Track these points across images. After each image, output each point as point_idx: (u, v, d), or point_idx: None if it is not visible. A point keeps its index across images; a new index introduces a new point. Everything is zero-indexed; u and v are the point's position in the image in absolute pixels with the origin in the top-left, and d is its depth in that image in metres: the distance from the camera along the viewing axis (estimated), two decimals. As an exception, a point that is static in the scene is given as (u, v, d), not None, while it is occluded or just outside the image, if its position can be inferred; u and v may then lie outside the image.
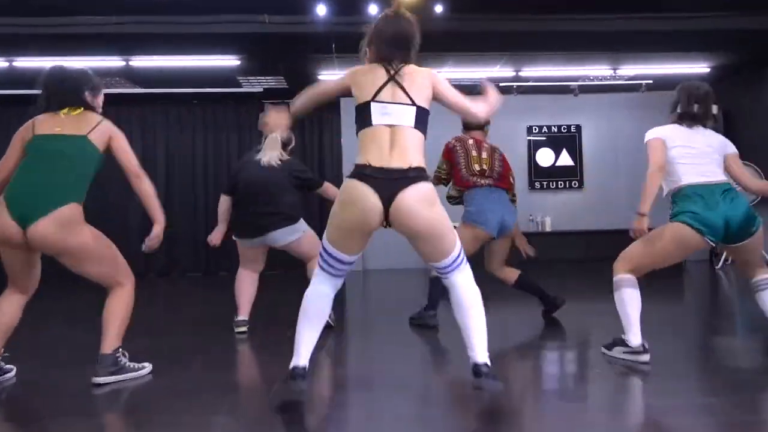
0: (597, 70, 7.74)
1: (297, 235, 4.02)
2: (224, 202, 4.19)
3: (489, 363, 2.37)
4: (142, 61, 6.68)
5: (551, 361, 3.47)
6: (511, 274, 4.39)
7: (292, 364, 2.41)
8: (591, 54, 7.10)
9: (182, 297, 6.99)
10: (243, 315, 4.10)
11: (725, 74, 8.12)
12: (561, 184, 9.04)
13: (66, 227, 2.69)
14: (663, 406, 2.47)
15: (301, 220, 4.09)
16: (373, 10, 5.09)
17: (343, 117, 8.90)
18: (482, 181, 4.21)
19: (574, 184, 9.04)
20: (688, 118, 3.15)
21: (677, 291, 6.16)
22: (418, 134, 2.45)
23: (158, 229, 2.90)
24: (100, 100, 3.03)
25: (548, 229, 8.82)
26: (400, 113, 2.41)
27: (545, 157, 9.05)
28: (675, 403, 2.45)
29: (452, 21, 5.57)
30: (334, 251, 2.43)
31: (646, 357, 3.01)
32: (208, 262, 8.80)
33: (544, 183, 9.04)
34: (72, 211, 2.71)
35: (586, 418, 2.40)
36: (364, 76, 2.49)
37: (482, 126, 4.40)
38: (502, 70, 7.62)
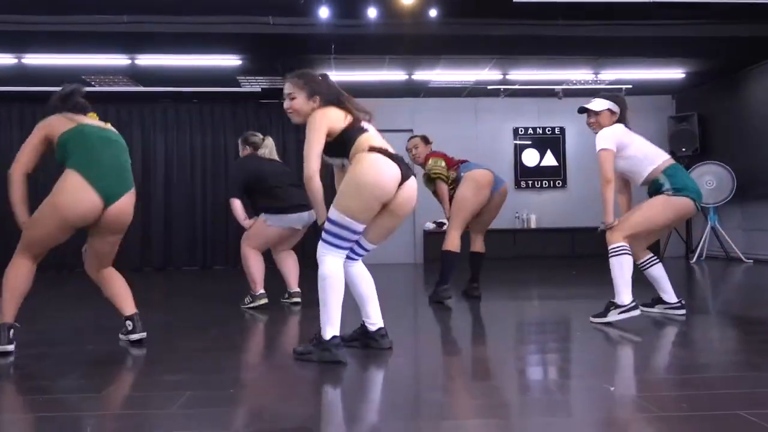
0: (579, 74, 8.16)
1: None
2: (239, 204, 4.46)
3: None
4: (147, 60, 6.95)
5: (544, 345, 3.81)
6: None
7: (330, 335, 2.67)
8: (573, 58, 7.51)
9: (181, 290, 7.24)
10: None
11: (700, 80, 8.61)
12: (546, 184, 9.47)
13: (133, 205, 3.10)
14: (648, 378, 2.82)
15: None
16: (372, 13, 5.44)
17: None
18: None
19: (558, 183, 9.48)
20: (626, 124, 3.70)
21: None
22: None
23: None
24: None
25: (533, 226, 9.21)
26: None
27: (531, 157, 9.46)
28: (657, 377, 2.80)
29: (444, 25, 5.94)
30: (354, 223, 2.65)
31: (637, 311, 3.48)
32: (204, 257, 9.06)
33: (530, 182, 9.44)
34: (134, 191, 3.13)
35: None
36: (333, 112, 2.79)
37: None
38: (491, 73, 8.02)
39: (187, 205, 9.06)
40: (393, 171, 2.68)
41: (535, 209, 9.31)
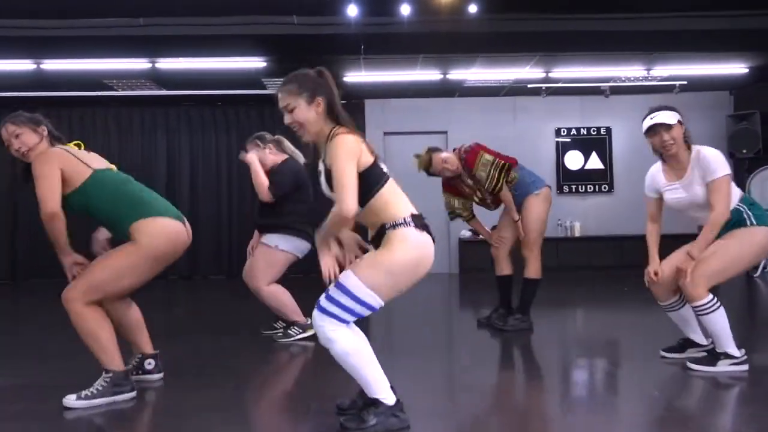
0: (630, 71, 7.54)
1: None
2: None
3: None
4: (168, 63, 6.64)
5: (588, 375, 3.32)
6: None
7: (392, 400, 2.27)
8: (624, 54, 6.91)
9: (205, 303, 6.94)
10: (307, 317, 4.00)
11: (761, 75, 7.87)
12: (590, 188, 8.86)
13: None
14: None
15: None
16: (405, 10, 4.97)
17: (368, 117, 8.79)
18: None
19: (604, 187, 8.86)
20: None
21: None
22: None
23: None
24: None
25: (577, 234, 8.62)
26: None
27: (574, 160, 8.86)
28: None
29: (484, 21, 5.44)
30: (379, 301, 2.24)
31: (747, 367, 3.04)
32: (230, 265, 8.77)
33: (573, 187, 8.85)
34: None
35: None
36: (360, 142, 2.31)
37: None
38: (532, 71, 7.46)
39: (213, 210, 8.76)
40: (432, 254, 2.36)
41: (579, 216, 8.71)
